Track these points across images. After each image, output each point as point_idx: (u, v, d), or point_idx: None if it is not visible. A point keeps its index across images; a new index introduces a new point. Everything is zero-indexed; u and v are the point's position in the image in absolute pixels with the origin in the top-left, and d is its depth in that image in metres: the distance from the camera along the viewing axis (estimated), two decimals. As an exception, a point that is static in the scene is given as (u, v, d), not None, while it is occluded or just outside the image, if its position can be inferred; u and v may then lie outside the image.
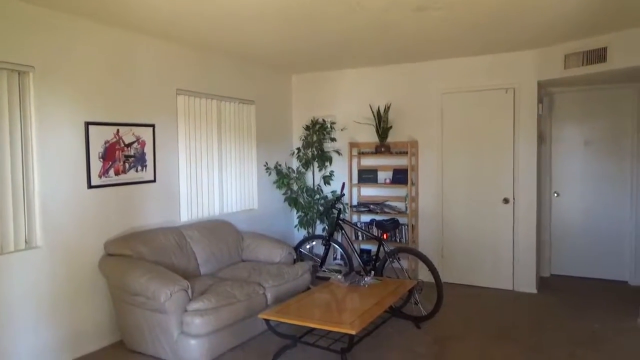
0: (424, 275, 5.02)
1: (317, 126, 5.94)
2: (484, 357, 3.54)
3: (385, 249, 4.57)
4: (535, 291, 5.10)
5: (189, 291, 3.46)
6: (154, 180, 4.30)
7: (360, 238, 5.83)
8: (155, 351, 3.53)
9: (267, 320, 3.39)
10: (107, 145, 3.86)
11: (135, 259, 3.67)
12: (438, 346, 3.75)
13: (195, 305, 3.41)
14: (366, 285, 4.01)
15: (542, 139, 5.45)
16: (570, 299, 4.89)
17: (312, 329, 3.55)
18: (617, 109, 5.38)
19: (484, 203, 5.31)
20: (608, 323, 4.20)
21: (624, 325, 4.14)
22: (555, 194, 5.73)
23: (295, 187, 6.03)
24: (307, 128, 6.02)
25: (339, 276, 4.19)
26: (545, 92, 5.57)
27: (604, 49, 4.32)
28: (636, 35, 4.08)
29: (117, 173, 3.95)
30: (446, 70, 5.41)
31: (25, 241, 3.34)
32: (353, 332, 2.99)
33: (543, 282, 5.48)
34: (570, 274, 5.70)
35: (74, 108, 3.60)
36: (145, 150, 4.20)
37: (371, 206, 5.71)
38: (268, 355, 3.56)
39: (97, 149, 3.77)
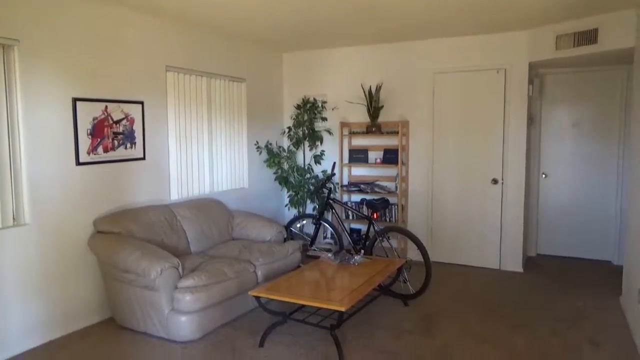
0: (413, 254, 5.08)
1: (308, 105, 5.91)
2: (469, 333, 3.62)
3: (375, 228, 4.61)
4: (521, 270, 5.20)
5: (180, 269, 3.48)
6: (144, 158, 4.27)
7: (350, 217, 5.86)
8: (145, 327, 3.56)
9: (257, 298, 3.42)
10: (96, 122, 3.81)
11: (125, 237, 3.67)
12: (425, 323, 3.82)
13: (185, 283, 3.43)
14: (356, 264, 4.05)
15: (531, 120, 5.48)
16: (555, 278, 4.99)
17: (302, 306, 3.60)
18: (606, 91, 5.41)
19: (473, 183, 5.36)
20: (591, 301, 4.31)
21: (606, 303, 4.25)
22: (544, 175, 5.80)
23: (285, 167, 6.03)
24: (298, 107, 5.99)
25: (329, 255, 4.23)
26: (536, 73, 5.58)
27: (595, 30, 4.33)
28: (627, 17, 4.09)
29: (105, 150, 3.91)
30: (438, 49, 5.39)
31: (13, 218, 3.31)
32: (343, 309, 3.04)
33: (529, 262, 5.58)
34: (556, 253, 5.81)
35: (61, 83, 3.54)
36: (134, 128, 4.16)
37: (361, 186, 5.73)
38: (258, 332, 3.60)
39: (85, 125, 3.72)
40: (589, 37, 4.38)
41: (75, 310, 3.69)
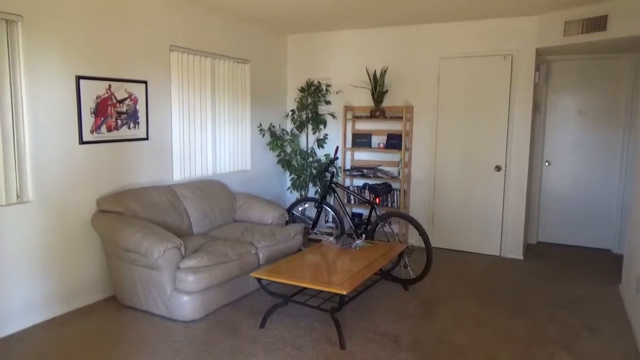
0: (414, 239, 5.11)
1: (312, 88, 5.87)
2: (469, 319, 3.65)
3: (377, 212, 4.61)
4: (521, 257, 5.22)
5: (182, 249, 3.49)
6: (147, 138, 4.26)
7: (352, 201, 5.87)
8: (148, 306, 3.59)
9: (259, 279, 3.44)
10: (99, 100, 3.79)
11: (128, 217, 3.68)
12: (425, 307, 3.85)
13: (188, 263, 3.45)
14: (357, 248, 4.07)
15: (537, 107, 5.45)
16: (555, 266, 5.01)
17: (303, 289, 3.62)
18: (614, 79, 5.36)
19: (476, 170, 5.35)
20: (590, 289, 4.33)
21: (605, 291, 4.27)
22: (547, 163, 5.78)
23: (288, 150, 6.01)
24: (302, 90, 5.95)
25: (331, 238, 4.25)
26: (543, 60, 5.52)
27: (605, 17, 4.27)
28: (637, 3, 4.03)
29: (109, 129, 3.90)
30: (445, 34, 5.33)
31: (17, 195, 3.32)
32: (344, 292, 3.06)
33: (530, 249, 5.60)
34: (556, 241, 5.83)
35: (64, 61, 3.52)
36: (137, 107, 4.14)
37: (364, 170, 5.72)
38: (259, 313, 3.64)
39: (88, 104, 3.71)
40: (598, 23, 4.32)
41: (78, 288, 3.73)
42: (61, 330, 3.35)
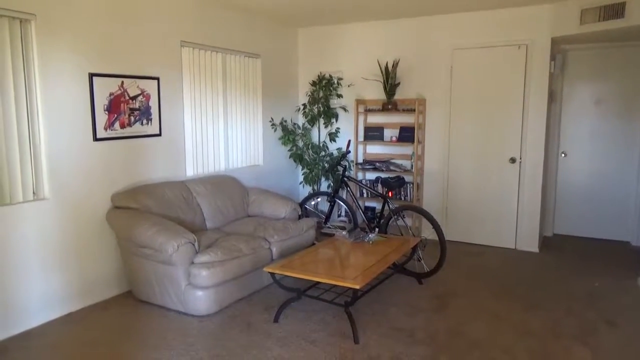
0: (428, 232, 5.07)
1: (324, 82, 5.84)
2: (483, 312, 3.62)
3: (390, 206, 4.59)
4: (537, 250, 5.16)
5: (196, 244, 3.51)
6: (160, 134, 4.28)
7: (365, 195, 5.85)
8: (163, 301, 3.62)
9: (272, 274, 3.45)
10: (112, 97, 3.82)
11: (142, 212, 3.71)
12: (439, 301, 3.83)
13: (202, 258, 3.47)
14: (370, 242, 4.06)
15: (552, 97, 5.35)
16: (572, 259, 4.94)
17: (316, 283, 3.62)
18: (631, 68, 5.24)
19: (490, 162, 5.29)
20: (608, 282, 4.26)
21: (624, 284, 4.20)
22: (563, 154, 5.69)
23: (300, 144, 6.01)
24: (314, 84, 5.92)
25: (344, 232, 4.24)
26: (558, 49, 5.42)
27: (622, 4, 4.16)
28: (657, -11, 3.93)
29: (122, 126, 3.93)
30: (457, 24, 5.25)
31: (34, 192, 3.37)
32: (357, 287, 3.05)
33: (545, 242, 5.53)
34: (573, 233, 5.74)
35: (77, 58, 3.54)
36: (150, 104, 4.16)
37: (377, 164, 5.69)
38: (273, 308, 3.65)
39: (102, 101, 3.74)
40: (615, 11, 4.22)
41: (94, 283, 3.78)
42: (79, 325, 3.40)
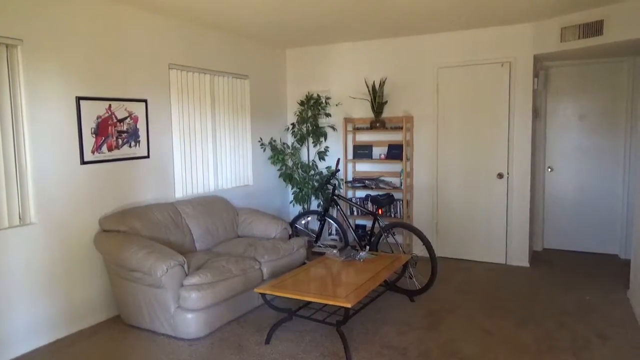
0: (419, 249, 5.08)
1: (312, 101, 5.89)
2: (476, 328, 3.61)
3: (380, 224, 4.59)
4: (527, 265, 5.18)
5: (185, 266, 3.48)
6: (148, 156, 4.27)
7: (355, 213, 5.86)
8: (152, 325, 3.57)
9: (263, 295, 3.42)
10: (100, 120, 3.81)
11: (130, 235, 3.67)
12: (431, 318, 3.82)
13: (191, 280, 3.43)
14: (361, 260, 4.05)
15: (536, 113, 5.45)
16: (562, 272, 4.97)
17: (308, 303, 3.60)
18: (612, 83, 5.37)
19: (479, 178, 5.33)
20: (598, 295, 4.28)
21: (613, 297, 4.23)
22: (549, 169, 5.76)
23: (290, 163, 6.02)
24: (302, 103, 5.97)
25: (334, 251, 4.23)
26: (541, 66, 5.54)
27: (601, 22, 4.28)
28: (633, 8, 4.04)
29: (110, 149, 3.91)
30: (442, 44, 5.35)
31: (20, 217, 3.33)
32: (349, 305, 3.03)
33: (535, 256, 5.56)
34: (562, 247, 5.78)
35: (64, 83, 3.55)
36: (138, 126, 4.16)
37: (366, 182, 5.72)
38: (264, 329, 3.61)
39: (89, 124, 3.73)
40: (594, 28, 4.34)
41: (82, 309, 3.71)
42: (66, 352, 3.33)
